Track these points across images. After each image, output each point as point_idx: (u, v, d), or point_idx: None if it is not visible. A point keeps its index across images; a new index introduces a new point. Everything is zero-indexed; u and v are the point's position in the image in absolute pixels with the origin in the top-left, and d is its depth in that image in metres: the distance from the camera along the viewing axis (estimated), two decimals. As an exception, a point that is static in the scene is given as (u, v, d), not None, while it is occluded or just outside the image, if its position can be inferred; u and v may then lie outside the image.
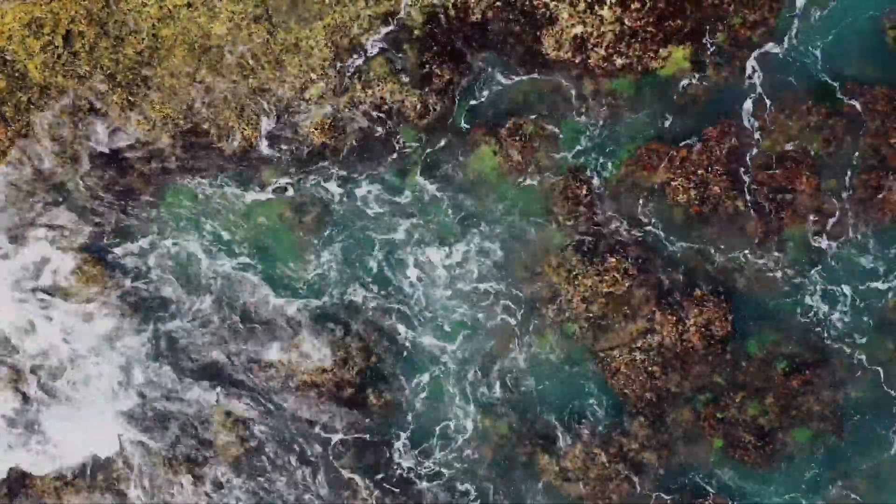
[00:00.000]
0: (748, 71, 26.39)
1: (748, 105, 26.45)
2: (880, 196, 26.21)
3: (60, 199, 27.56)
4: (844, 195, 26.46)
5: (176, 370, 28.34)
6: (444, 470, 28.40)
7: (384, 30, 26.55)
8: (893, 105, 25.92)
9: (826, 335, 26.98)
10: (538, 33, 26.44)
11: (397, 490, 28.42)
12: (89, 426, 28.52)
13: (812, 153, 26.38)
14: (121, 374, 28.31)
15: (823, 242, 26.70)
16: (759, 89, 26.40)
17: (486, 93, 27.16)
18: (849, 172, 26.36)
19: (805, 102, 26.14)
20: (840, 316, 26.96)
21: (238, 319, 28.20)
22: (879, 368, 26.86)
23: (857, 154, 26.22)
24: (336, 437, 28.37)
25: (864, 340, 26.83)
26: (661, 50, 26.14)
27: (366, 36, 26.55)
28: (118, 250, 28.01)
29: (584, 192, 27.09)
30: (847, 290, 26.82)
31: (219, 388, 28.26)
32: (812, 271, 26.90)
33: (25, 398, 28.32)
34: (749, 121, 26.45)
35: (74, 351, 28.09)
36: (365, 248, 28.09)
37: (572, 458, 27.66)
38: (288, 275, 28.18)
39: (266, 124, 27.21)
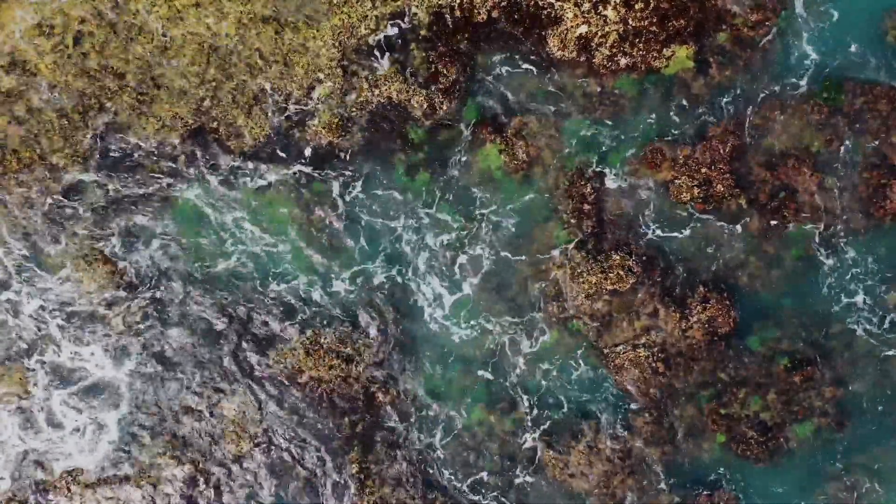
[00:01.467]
0: (751, 70, 26.66)
1: (751, 104, 26.71)
2: (881, 195, 26.48)
3: (74, 199, 27.78)
4: (846, 194, 26.72)
5: (185, 358, 28.58)
6: (447, 465, 28.59)
7: (391, 30, 26.83)
8: (894, 104, 26.18)
9: (827, 331, 27.24)
10: (543, 33, 26.72)
11: (402, 483, 28.60)
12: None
13: (814, 152, 26.64)
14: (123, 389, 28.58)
15: (824, 241, 26.95)
16: (760, 89, 26.67)
17: (491, 92, 27.42)
18: (850, 171, 26.63)
19: (807, 101, 26.40)
20: (841, 313, 27.22)
21: (243, 317, 28.39)
22: (881, 364, 27.14)
23: (858, 153, 26.49)
24: (341, 432, 28.57)
25: (864, 336, 27.09)
26: (664, 49, 26.41)
27: (373, 36, 26.84)
28: (127, 250, 28.22)
29: (589, 190, 27.33)
30: (847, 287, 27.07)
31: (229, 383, 28.51)
32: (813, 269, 27.17)
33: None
34: (751, 120, 26.70)
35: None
36: (371, 245, 28.30)
37: (577, 453, 27.85)
38: (294, 272, 28.37)
39: (274, 124, 27.45)
